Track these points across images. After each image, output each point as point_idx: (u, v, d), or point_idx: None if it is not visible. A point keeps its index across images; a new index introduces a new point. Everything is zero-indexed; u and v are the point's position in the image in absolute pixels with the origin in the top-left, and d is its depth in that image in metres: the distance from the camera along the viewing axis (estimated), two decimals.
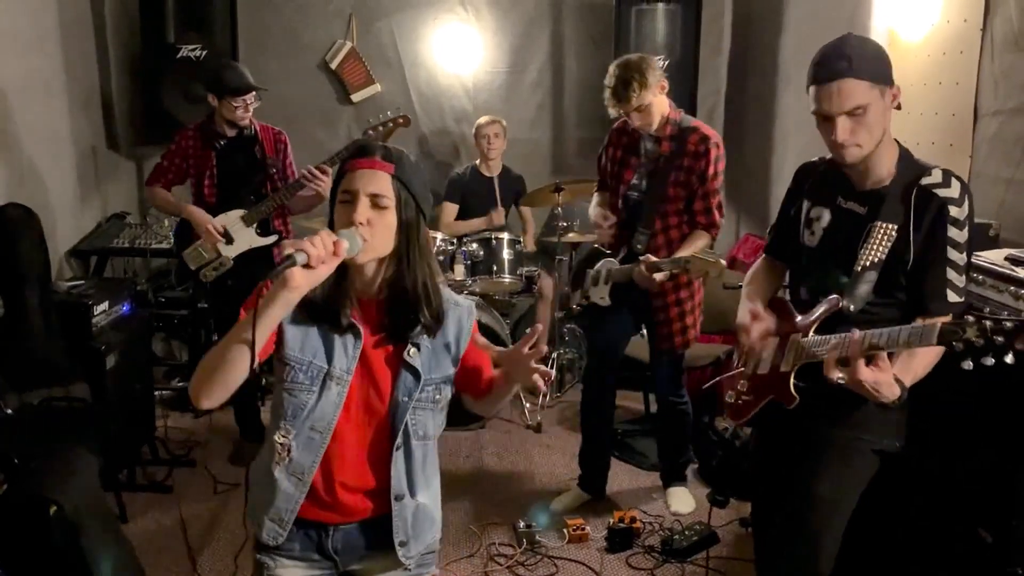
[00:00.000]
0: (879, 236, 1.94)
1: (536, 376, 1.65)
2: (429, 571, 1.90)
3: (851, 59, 1.88)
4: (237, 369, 1.54)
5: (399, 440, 1.73)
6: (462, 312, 1.79)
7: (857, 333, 1.83)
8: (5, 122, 3.79)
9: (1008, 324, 1.58)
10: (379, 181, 1.63)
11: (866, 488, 2.12)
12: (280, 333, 1.66)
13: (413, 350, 1.72)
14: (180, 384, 4.81)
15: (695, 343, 3.56)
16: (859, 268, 1.97)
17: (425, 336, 1.73)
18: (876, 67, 1.92)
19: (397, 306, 1.70)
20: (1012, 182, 3.09)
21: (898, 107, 1.98)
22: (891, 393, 1.81)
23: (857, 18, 4.20)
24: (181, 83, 4.79)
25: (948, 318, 1.84)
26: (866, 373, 1.78)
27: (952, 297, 1.92)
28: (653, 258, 3.14)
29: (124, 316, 3.68)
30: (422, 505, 1.80)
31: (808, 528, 2.10)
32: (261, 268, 3.70)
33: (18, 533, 2.33)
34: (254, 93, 3.79)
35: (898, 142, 2.03)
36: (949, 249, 1.91)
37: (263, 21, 5.29)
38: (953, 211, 1.90)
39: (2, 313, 3.41)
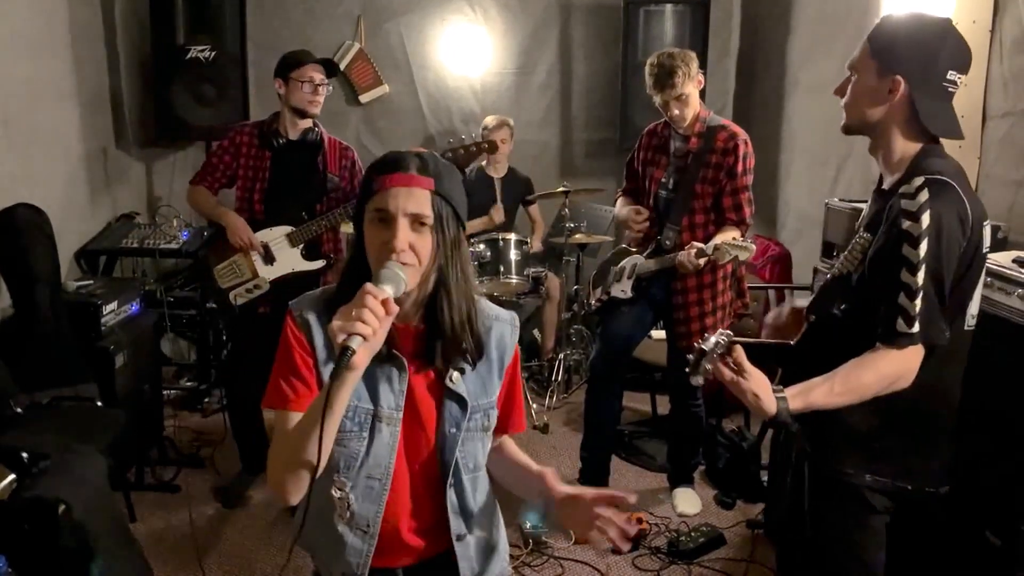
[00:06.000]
0: (855, 246, 1.82)
1: (597, 533, 1.43)
2: None
3: (875, 27, 1.84)
4: (315, 461, 1.38)
5: (451, 478, 1.58)
6: (504, 328, 1.62)
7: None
8: (16, 123, 3.81)
9: (698, 347, 1.72)
10: (419, 199, 1.43)
11: None
12: (319, 380, 1.51)
13: (456, 375, 1.55)
14: (188, 384, 4.83)
15: None
16: (829, 276, 1.87)
17: (468, 357, 1.56)
18: (883, 45, 1.80)
19: (438, 331, 1.52)
20: (1022, 184, 3.08)
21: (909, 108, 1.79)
22: (757, 405, 1.69)
23: (866, 20, 4.18)
24: (191, 84, 4.81)
25: (899, 351, 1.69)
26: (724, 374, 1.71)
27: (901, 326, 1.67)
28: (699, 244, 3.17)
29: (133, 316, 3.70)
30: (482, 538, 1.67)
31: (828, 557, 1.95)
32: None
33: (27, 532, 2.34)
34: (327, 82, 3.40)
35: (926, 145, 1.82)
36: (901, 270, 1.68)
37: (272, 22, 5.31)
38: (905, 224, 1.67)
39: (12, 312, 3.44)
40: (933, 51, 1.76)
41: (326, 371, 1.49)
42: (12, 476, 2.42)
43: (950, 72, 1.77)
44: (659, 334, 3.84)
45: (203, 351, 4.87)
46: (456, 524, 1.61)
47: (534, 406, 4.66)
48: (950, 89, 1.79)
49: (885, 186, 1.87)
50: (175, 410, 4.41)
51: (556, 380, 4.91)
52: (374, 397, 1.52)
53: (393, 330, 1.43)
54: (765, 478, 3.43)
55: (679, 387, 3.64)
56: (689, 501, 3.65)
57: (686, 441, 3.72)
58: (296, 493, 1.42)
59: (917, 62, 1.77)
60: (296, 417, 1.45)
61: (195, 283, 4.76)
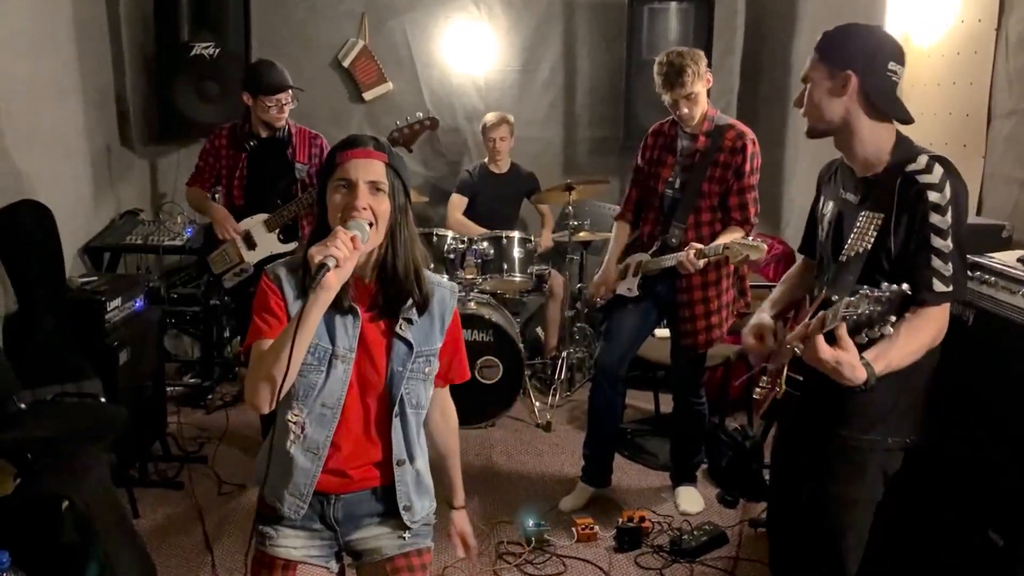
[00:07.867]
0: (865, 225, 1.95)
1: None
2: (425, 542, 2.00)
3: (819, 40, 2.02)
4: (285, 370, 1.63)
5: (396, 409, 1.84)
6: (445, 292, 1.92)
7: (821, 312, 1.80)
8: (20, 121, 3.82)
9: (887, 294, 1.63)
10: (375, 169, 1.74)
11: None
12: (289, 318, 1.77)
13: (404, 324, 1.83)
14: (192, 380, 4.84)
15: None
16: (843, 258, 1.96)
17: (415, 311, 1.84)
18: (831, 47, 1.99)
19: (389, 285, 1.81)
20: None
21: (869, 102, 1.96)
22: (853, 376, 1.76)
23: (871, 18, 4.18)
24: (194, 81, 4.82)
25: (939, 308, 1.88)
26: (826, 352, 1.74)
27: (939, 287, 1.87)
28: (699, 245, 3.17)
29: (136, 312, 3.70)
30: (421, 472, 1.94)
31: (827, 529, 2.09)
32: None
33: (30, 529, 2.34)
34: (290, 93, 3.66)
35: (899, 132, 2.02)
36: (932, 236, 1.87)
37: (276, 20, 5.30)
38: (933, 196, 1.86)
39: (16, 309, 3.44)
40: (873, 45, 1.98)
41: (293, 309, 1.77)
42: (15, 472, 2.43)
43: (890, 63, 1.96)
44: (662, 332, 3.84)
45: (206, 348, 4.88)
46: (398, 450, 1.87)
47: (536, 404, 4.66)
48: (893, 79, 1.96)
49: (861, 174, 2.02)
50: (178, 407, 4.42)
51: (559, 378, 4.90)
52: (332, 338, 1.78)
53: (352, 284, 1.76)
54: (767, 476, 3.42)
55: (682, 385, 3.65)
56: (692, 500, 3.65)
57: (688, 439, 3.71)
58: (269, 401, 1.66)
59: (862, 55, 1.96)
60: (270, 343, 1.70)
61: (199, 279, 4.77)
